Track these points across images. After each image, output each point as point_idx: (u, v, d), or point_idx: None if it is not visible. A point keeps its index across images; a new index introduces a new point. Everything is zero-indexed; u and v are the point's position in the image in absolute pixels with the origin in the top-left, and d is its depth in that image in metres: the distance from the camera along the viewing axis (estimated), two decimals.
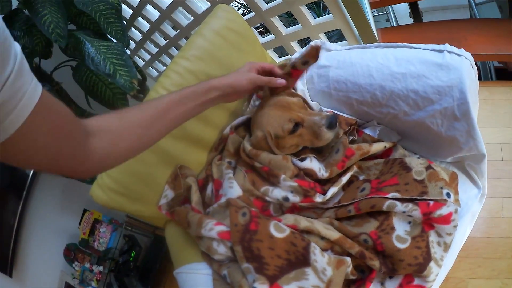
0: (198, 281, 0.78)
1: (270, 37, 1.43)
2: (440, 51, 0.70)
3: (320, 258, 0.65)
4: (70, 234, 1.62)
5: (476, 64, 2.03)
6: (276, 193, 0.79)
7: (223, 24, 0.98)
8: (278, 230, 0.69)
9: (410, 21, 2.22)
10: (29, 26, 1.08)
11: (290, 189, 0.78)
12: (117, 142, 0.55)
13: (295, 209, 0.82)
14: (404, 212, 0.68)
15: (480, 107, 1.47)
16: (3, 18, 1.08)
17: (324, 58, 0.88)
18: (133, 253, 1.69)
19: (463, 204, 0.74)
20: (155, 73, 2.15)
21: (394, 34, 1.83)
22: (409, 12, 2.09)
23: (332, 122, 0.77)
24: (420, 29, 1.90)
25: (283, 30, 1.36)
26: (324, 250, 0.69)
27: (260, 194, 0.81)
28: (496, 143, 1.35)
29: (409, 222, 0.69)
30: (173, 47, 1.84)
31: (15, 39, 1.05)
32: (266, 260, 0.66)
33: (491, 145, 1.34)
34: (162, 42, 1.83)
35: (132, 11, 1.68)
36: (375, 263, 0.67)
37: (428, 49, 0.73)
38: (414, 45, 0.76)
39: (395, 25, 2.51)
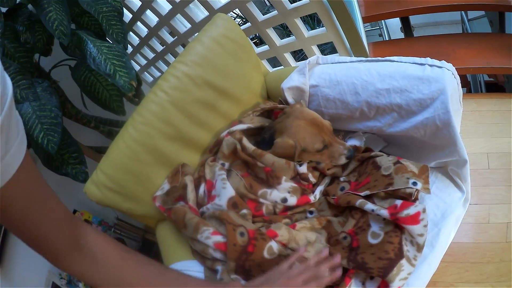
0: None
1: (265, 47, 1.48)
2: (422, 64, 0.75)
3: None
4: None
5: (466, 77, 2.10)
6: (275, 195, 0.84)
7: (221, 32, 1.02)
8: (270, 253, 0.74)
9: (402, 35, 2.31)
10: (32, 21, 1.09)
11: (288, 190, 0.84)
12: (100, 282, 0.53)
13: (287, 210, 0.86)
14: (373, 210, 0.71)
15: (467, 118, 1.53)
16: (7, 12, 1.11)
17: (312, 78, 0.94)
18: None
19: (447, 207, 0.78)
20: (150, 79, 2.18)
21: (385, 48, 1.91)
22: (401, 27, 2.17)
23: (352, 155, 0.86)
24: (410, 43, 1.98)
25: (278, 41, 1.41)
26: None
27: (254, 197, 0.85)
28: (483, 152, 1.40)
29: (384, 219, 0.72)
30: (169, 54, 1.88)
31: (17, 33, 1.08)
32: (252, 273, 0.73)
33: (478, 154, 1.40)
34: (159, 48, 1.86)
35: (132, 15, 1.72)
36: (343, 261, 0.70)
37: (409, 63, 0.78)
38: (395, 58, 0.81)
39: (387, 39, 2.60)
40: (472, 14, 2.42)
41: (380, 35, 2.74)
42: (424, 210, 0.68)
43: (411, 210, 0.68)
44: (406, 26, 2.10)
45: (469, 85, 2.31)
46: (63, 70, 1.34)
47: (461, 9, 1.88)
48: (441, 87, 0.71)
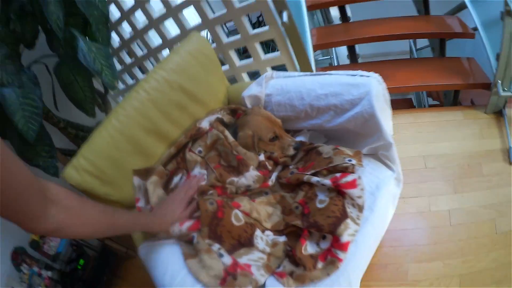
0: (164, 246, 0.91)
1: (225, 67, 1.64)
2: (353, 75, 0.99)
3: (261, 242, 0.90)
4: (18, 237, 1.57)
5: (412, 102, 2.33)
6: (241, 183, 1.02)
7: (196, 47, 1.22)
8: (237, 219, 0.91)
9: None
10: (24, 12, 1.15)
11: (253, 179, 1.02)
12: (72, 224, 0.60)
13: (247, 191, 1.04)
14: (318, 181, 0.90)
15: (405, 128, 1.84)
16: None
17: (268, 88, 1.17)
18: (82, 261, 1.67)
19: (380, 181, 0.97)
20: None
21: None
22: (347, 55, 2.49)
23: (298, 147, 1.06)
24: (354, 68, 2.24)
25: (237, 62, 1.61)
26: (266, 229, 0.94)
27: (220, 185, 1.02)
28: (420, 155, 1.63)
29: (328, 189, 0.91)
30: (136, 67, 2.00)
31: (8, 20, 1.12)
32: (223, 239, 0.88)
33: (416, 157, 1.62)
34: (128, 60, 1.98)
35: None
36: (298, 222, 0.88)
37: (344, 74, 1.01)
38: (333, 72, 1.05)
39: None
40: (420, 43, 2.75)
41: (330, 64, 3.11)
42: (359, 178, 0.88)
43: (349, 178, 0.88)
44: (352, 54, 2.43)
45: (414, 107, 2.57)
46: (39, 68, 1.37)
47: (397, 38, 2.08)
48: (367, 89, 0.93)
